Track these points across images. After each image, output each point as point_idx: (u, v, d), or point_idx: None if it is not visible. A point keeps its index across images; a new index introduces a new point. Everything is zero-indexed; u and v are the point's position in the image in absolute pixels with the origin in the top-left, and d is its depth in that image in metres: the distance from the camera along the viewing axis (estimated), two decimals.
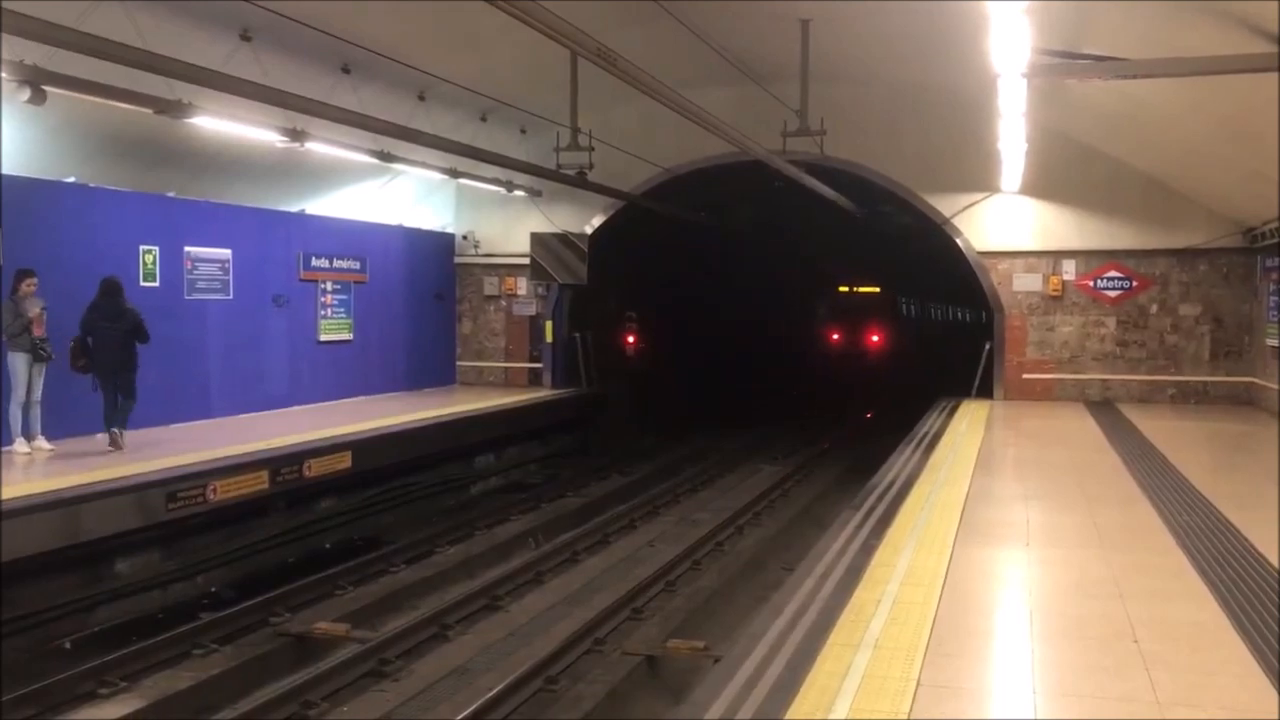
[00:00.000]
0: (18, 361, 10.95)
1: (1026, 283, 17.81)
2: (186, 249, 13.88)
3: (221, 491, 10.50)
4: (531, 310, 19.95)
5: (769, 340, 32.87)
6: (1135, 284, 17.47)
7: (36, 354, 10.99)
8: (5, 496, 8.79)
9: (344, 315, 17.09)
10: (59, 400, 11.58)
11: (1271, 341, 15.76)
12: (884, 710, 4.66)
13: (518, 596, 10.81)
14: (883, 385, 22.91)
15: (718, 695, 4.84)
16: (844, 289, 26.70)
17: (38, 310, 10.96)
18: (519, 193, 18.48)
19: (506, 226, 19.71)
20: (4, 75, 8.79)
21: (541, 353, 19.87)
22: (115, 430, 11.52)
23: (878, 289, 26.66)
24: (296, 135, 12.37)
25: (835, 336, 25.25)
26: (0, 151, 10.90)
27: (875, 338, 25.28)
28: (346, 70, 13.39)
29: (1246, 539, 7.85)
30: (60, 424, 11.64)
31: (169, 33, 10.64)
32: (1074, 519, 8.75)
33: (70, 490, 9.29)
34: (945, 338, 27.81)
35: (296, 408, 15.72)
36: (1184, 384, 17.40)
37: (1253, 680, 5.05)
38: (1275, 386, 15.64)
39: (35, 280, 11.02)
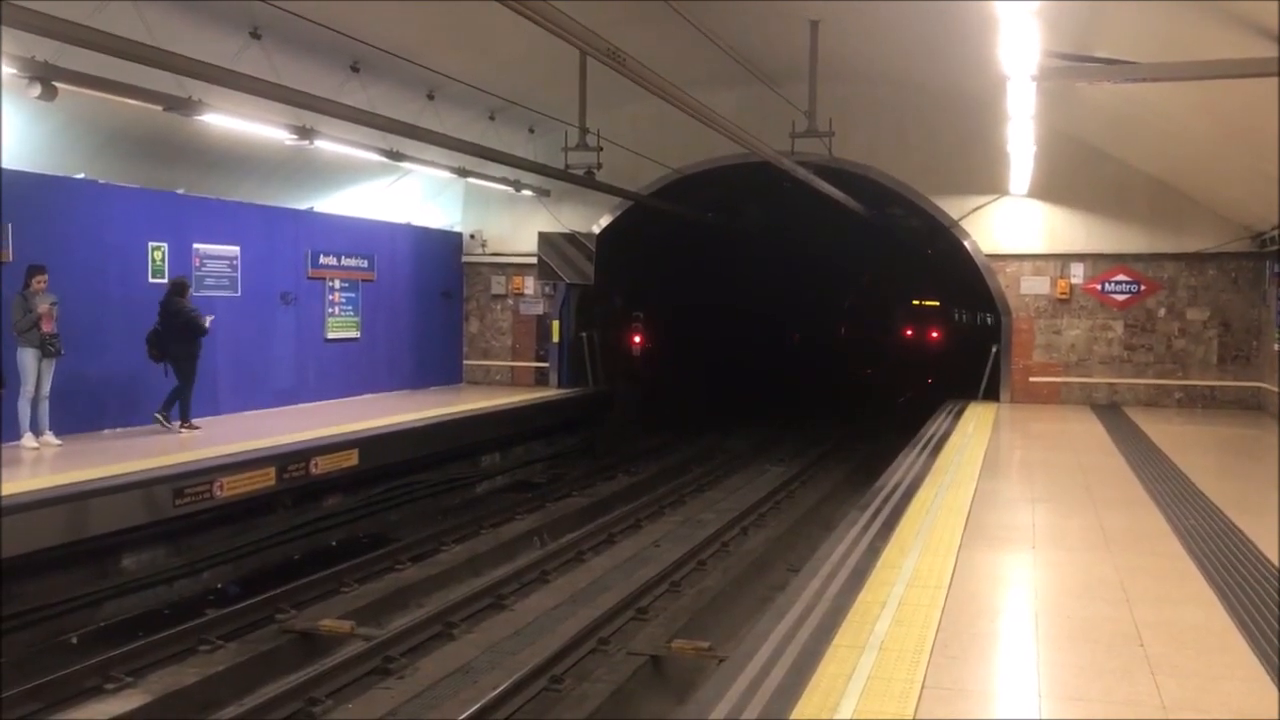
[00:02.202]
0: (27, 357, 11.00)
1: (1034, 285, 17.79)
2: (195, 246, 13.91)
3: (228, 488, 10.53)
4: (538, 309, 19.97)
5: (777, 340, 32.99)
6: (1143, 288, 17.44)
7: (45, 349, 11.04)
8: (13, 491, 8.82)
9: (351, 313, 17.12)
10: (70, 396, 11.63)
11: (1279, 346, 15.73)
12: (889, 712, 4.65)
13: (523, 595, 10.82)
14: (937, 364, 31.94)
15: (722, 696, 4.84)
16: (915, 302, 37.14)
17: (47, 306, 11.00)
18: (527, 192, 18.50)
19: (514, 226, 19.74)
20: (15, 71, 8.82)
21: (548, 352, 19.89)
22: (160, 415, 12.58)
23: (938, 302, 36.88)
24: (305, 133, 12.40)
25: (909, 332, 36.38)
26: (0, 146, 10.92)
27: (935, 334, 36.02)
28: (356, 68, 13.42)
29: (1253, 544, 7.83)
30: (73, 420, 11.69)
31: (179, 30, 10.69)
32: (1080, 522, 8.74)
33: (78, 486, 9.32)
34: (977, 336, 32.17)
35: (303, 405, 15.75)
36: (1191, 388, 17.37)
37: (1258, 685, 5.04)
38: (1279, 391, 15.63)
39: (46, 276, 11.07)
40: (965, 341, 32.24)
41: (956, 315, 36.90)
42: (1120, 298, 17.52)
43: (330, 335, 16.67)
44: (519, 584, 11.01)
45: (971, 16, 9.83)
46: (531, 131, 17.92)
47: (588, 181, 16.27)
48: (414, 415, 14.95)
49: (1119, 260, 17.49)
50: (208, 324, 12.69)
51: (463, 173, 16.51)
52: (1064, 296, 17.65)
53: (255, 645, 9.08)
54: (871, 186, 18.50)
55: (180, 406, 12.73)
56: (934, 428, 14.89)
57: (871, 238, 25.24)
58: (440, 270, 19.56)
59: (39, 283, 11.02)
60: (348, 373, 17.05)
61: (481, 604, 10.29)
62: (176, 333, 12.52)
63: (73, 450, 11.04)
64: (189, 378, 12.71)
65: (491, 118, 16.83)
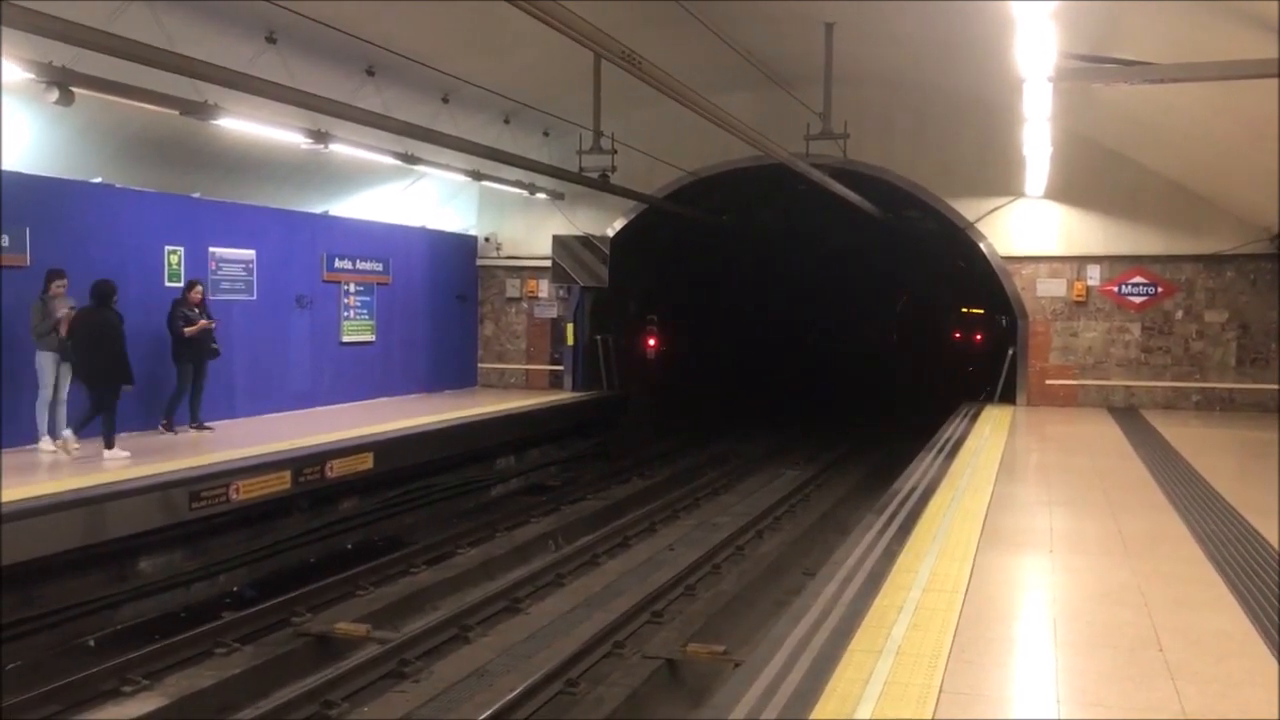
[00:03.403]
0: (45, 360, 11.05)
1: (1050, 288, 17.72)
2: (211, 250, 13.97)
3: (244, 491, 10.55)
4: (553, 313, 19.98)
5: (794, 343, 32.96)
6: (1160, 290, 17.33)
7: (64, 353, 11.09)
8: (31, 495, 8.87)
9: (366, 316, 17.16)
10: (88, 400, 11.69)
11: None
12: (906, 717, 4.63)
13: (538, 599, 10.83)
14: (978, 359, 34.77)
15: (738, 700, 4.82)
16: (964, 310, 41.96)
17: (66, 310, 11.05)
18: (541, 195, 18.52)
19: (529, 229, 19.76)
20: (33, 76, 8.86)
21: (562, 355, 19.89)
22: (192, 425, 12.97)
23: (982, 310, 40.65)
24: (321, 137, 12.43)
25: (957, 335, 41.87)
26: (0, 150, 10.99)
27: (978, 337, 40.03)
28: (371, 73, 13.46)
29: (1273, 548, 7.77)
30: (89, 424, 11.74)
31: (195, 35, 10.74)
32: (1098, 526, 8.68)
33: (96, 489, 9.36)
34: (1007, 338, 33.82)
35: (319, 408, 15.79)
36: (1209, 391, 17.26)
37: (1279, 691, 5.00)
38: None
39: (65, 281, 11.13)
40: (1001, 341, 34.43)
41: (1001, 320, 38.68)
42: (1137, 300, 17.43)
43: (345, 338, 16.72)
44: (534, 587, 11.02)
45: (988, 18, 9.80)
46: (546, 135, 17.94)
47: (602, 184, 16.27)
48: (429, 418, 14.97)
49: (1136, 262, 17.39)
50: (188, 330, 12.63)
51: (477, 176, 16.53)
52: (1080, 299, 17.56)
53: (271, 648, 9.12)
54: (887, 189, 18.44)
55: (169, 405, 12.82)
56: (950, 431, 14.82)
57: (890, 240, 25.19)
58: (455, 273, 19.59)
59: (58, 287, 11.07)
60: (363, 376, 17.09)
61: (496, 607, 10.30)
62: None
63: (90, 453, 11.08)
64: (180, 380, 12.78)
65: (506, 121, 16.86)
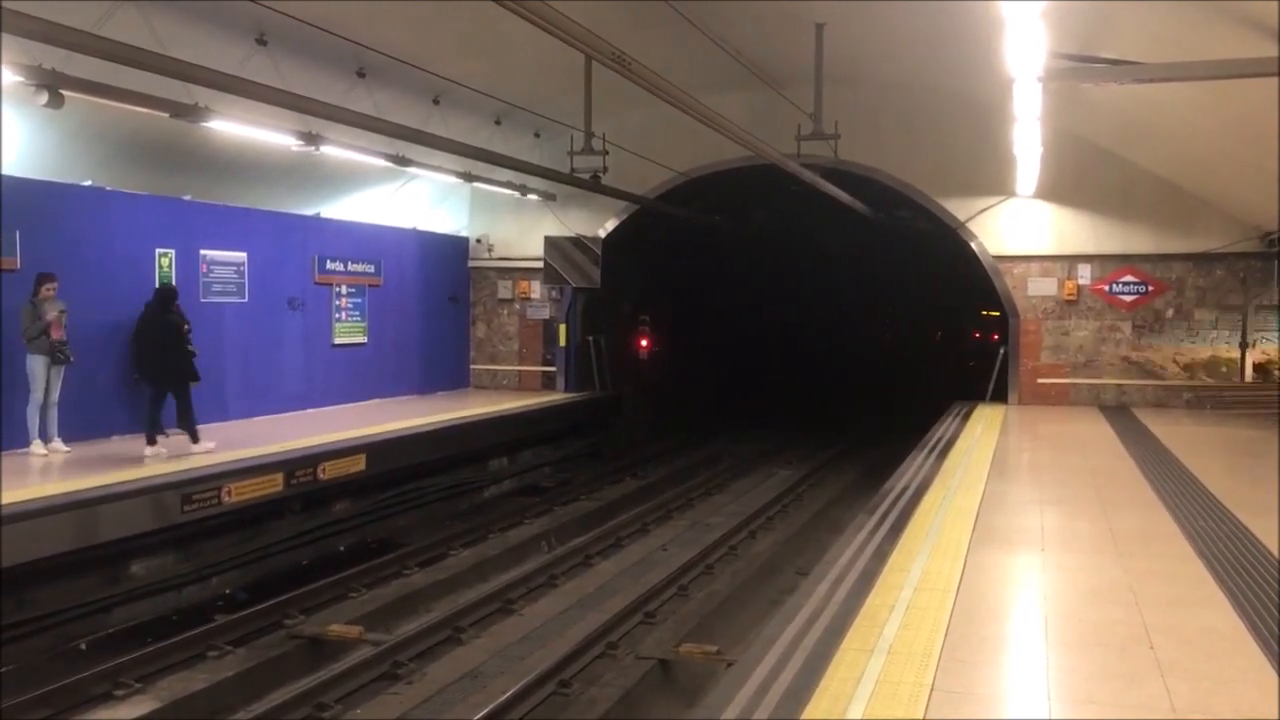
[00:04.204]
0: (36, 364, 11.03)
1: (1042, 287, 17.77)
2: (202, 252, 13.94)
3: (236, 494, 10.54)
4: (545, 314, 19.98)
5: (788, 343, 33.01)
6: (1151, 288, 17.39)
7: (55, 357, 11.08)
8: (24, 498, 8.85)
9: (358, 318, 17.14)
10: (78, 403, 11.66)
11: None
12: (898, 716, 4.64)
13: (531, 600, 10.83)
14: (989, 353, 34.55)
15: (730, 700, 4.83)
16: (983, 312, 42.83)
17: (56, 313, 11.03)
18: (533, 196, 18.51)
19: (520, 230, 19.76)
20: (23, 79, 8.85)
21: (555, 356, 19.89)
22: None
23: (997, 313, 42.11)
24: (312, 139, 12.41)
25: (976, 335, 42.67)
26: (0, 153, 10.96)
27: (995, 336, 41.30)
28: (362, 74, 13.45)
29: (1264, 545, 7.80)
30: (81, 427, 11.72)
31: (185, 37, 10.71)
32: (1090, 525, 8.71)
33: (87, 493, 9.34)
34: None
35: (311, 410, 15.77)
36: (1200, 389, 17.29)
37: (1270, 688, 5.01)
38: None
39: (56, 284, 11.11)
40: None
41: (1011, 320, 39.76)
42: (1128, 298, 17.48)
43: (337, 340, 16.69)
44: (527, 588, 11.02)
45: (977, 18, 9.83)
46: (537, 136, 17.94)
47: (593, 185, 16.26)
48: (421, 420, 14.96)
49: (1126, 261, 17.45)
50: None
51: (469, 177, 16.52)
52: (1071, 298, 17.61)
53: (264, 651, 9.11)
54: (878, 189, 18.48)
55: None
56: (942, 430, 14.85)
57: (884, 240, 25.19)
58: (447, 275, 19.58)
59: (48, 290, 11.05)
60: (355, 378, 17.07)
61: (490, 609, 10.30)
62: None
63: (81, 457, 11.06)
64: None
65: (498, 122, 16.85)
